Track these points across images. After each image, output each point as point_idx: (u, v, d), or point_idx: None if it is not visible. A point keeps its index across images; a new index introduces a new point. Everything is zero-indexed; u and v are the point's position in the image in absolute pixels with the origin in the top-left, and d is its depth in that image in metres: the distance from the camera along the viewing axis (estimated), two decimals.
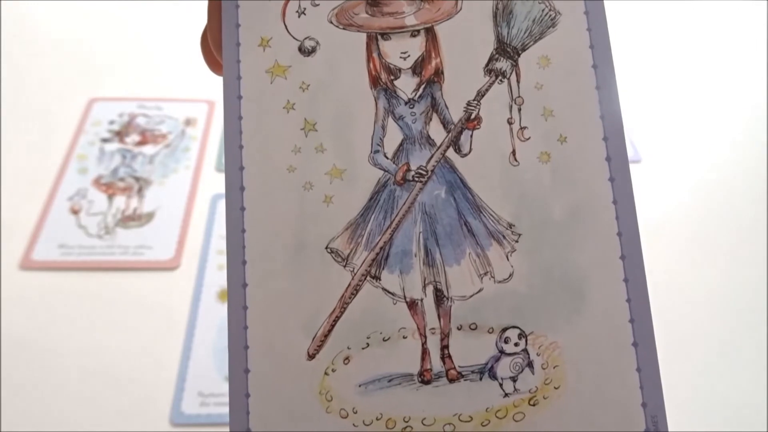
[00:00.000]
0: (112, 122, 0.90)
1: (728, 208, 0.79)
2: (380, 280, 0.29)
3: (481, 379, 0.28)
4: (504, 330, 0.29)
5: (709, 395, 0.60)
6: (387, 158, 0.30)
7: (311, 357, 0.28)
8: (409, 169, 0.29)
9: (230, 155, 0.29)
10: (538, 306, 0.29)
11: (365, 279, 0.29)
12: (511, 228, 0.29)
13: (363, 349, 0.28)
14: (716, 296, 0.71)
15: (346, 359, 0.28)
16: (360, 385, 0.28)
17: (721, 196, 0.80)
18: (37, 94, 0.90)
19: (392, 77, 0.30)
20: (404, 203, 0.29)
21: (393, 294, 0.29)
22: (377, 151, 0.30)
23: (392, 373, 0.28)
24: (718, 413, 0.58)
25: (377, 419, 0.28)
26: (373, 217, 0.29)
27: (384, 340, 0.29)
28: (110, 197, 0.82)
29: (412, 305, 0.29)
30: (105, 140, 0.88)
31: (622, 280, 0.29)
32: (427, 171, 0.29)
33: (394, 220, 0.29)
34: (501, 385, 0.28)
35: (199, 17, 0.30)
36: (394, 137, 0.30)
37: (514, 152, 0.30)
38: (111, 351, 0.67)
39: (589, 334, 0.28)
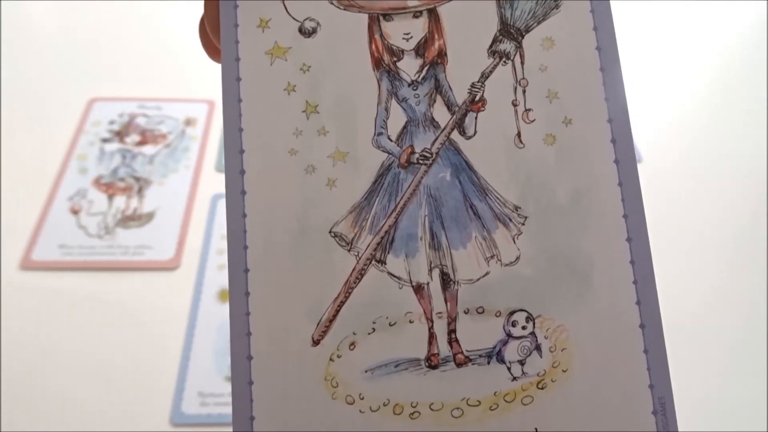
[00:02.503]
0: (112, 122, 0.89)
1: (729, 208, 0.79)
2: (385, 264, 0.29)
3: (488, 363, 0.28)
4: (511, 313, 0.28)
5: (709, 395, 0.60)
6: (391, 141, 0.29)
7: (316, 343, 0.28)
8: (413, 152, 0.29)
9: (230, 138, 0.29)
10: (545, 289, 0.28)
11: (370, 263, 0.28)
12: (517, 210, 0.29)
13: (369, 334, 0.28)
14: (716, 296, 0.71)
15: (352, 345, 0.28)
16: (366, 371, 0.28)
17: (722, 196, 0.80)
18: (37, 94, 0.90)
19: (395, 59, 0.30)
20: (409, 186, 0.29)
21: (399, 278, 0.29)
22: (381, 134, 0.29)
23: (399, 358, 0.28)
24: (718, 413, 0.58)
25: (384, 405, 0.28)
26: (377, 200, 0.29)
27: (390, 324, 0.28)
28: (110, 197, 0.82)
29: (419, 289, 0.28)
30: (105, 140, 0.88)
31: (629, 262, 0.28)
32: (431, 153, 0.29)
33: (398, 203, 0.29)
34: (509, 368, 0.28)
35: (199, 17, 0.29)
36: (397, 119, 0.29)
37: (519, 134, 0.29)
38: (111, 351, 0.66)
39: (596, 317, 0.28)
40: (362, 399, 0.28)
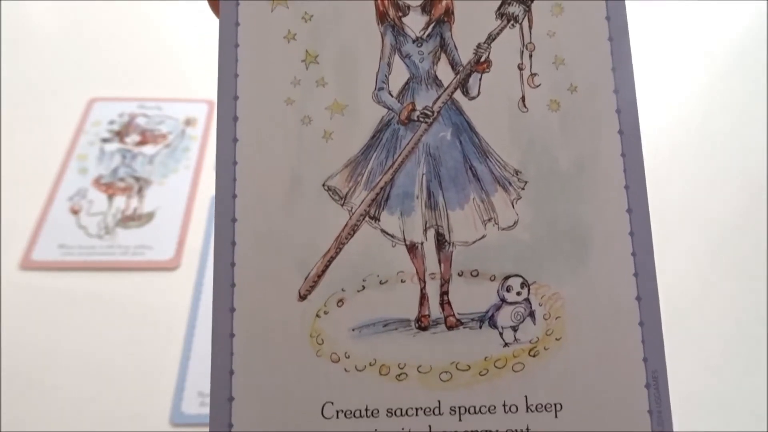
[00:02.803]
0: (112, 122, 0.89)
1: (729, 207, 0.78)
2: (379, 221, 0.28)
3: (480, 327, 0.27)
4: (506, 278, 0.27)
5: (708, 395, 0.58)
6: (392, 96, 0.29)
7: (302, 298, 0.27)
8: (414, 109, 0.28)
9: (224, 84, 0.28)
10: (542, 256, 0.27)
11: (363, 219, 0.28)
12: (517, 175, 0.28)
13: (358, 291, 0.27)
14: (716, 296, 0.70)
15: (340, 301, 0.27)
16: (353, 329, 0.27)
17: (723, 196, 0.79)
18: (37, 94, 0.90)
19: (400, 14, 0.29)
20: (408, 143, 0.28)
21: (392, 236, 0.28)
22: (382, 89, 0.29)
23: (388, 318, 0.27)
24: (719, 413, 0.57)
25: (370, 365, 0.27)
26: (374, 155, 0.28)
27: (381, 283, 0.27)
28: (110, 197, 0.81)
29: (412, 248, 0.28)
30: (105, 140, 0.87)
31: (628, 234, 0.28)
32: (433, 112, 0.28)
33: (396, 159, 0.28)
34: (501, 334, 0.27)
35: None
36: (399, 76, 0.29)
37: (523, 98, 0.29)
38: (111, 351, 0.66)
39: (592, 287, 0.27)
40: (348, 358, 0.27)
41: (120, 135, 0.87)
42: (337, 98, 0.28)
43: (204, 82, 0.77)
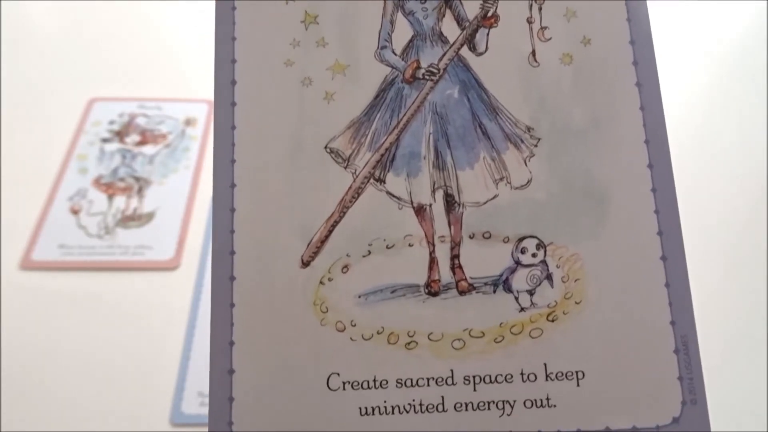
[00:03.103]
0: (112, 122, 0.88)
1: (729, 206, 0.77)
2: (385, 183, 0.26)
3: (494, 291, 0.25)
4: (521, 240, 0.26)
5: (708, 395, 0.56)
6: (395, 55, 0.27)
7: (305, 264, 0.25)
8: (419, 67, 0.27)
9: (221, 47, 0.27)
10: (559, 215, 0.26)
11: (368, 181, 0.26)
12: (529, 132, 0.27)
13: (364, 257, 0.26)
14: (716, 296, 0.69)
15: (345, 267, 0.26)
16: (359, 296, 0.25)
17: (723, 194, 0.78)
18: (37, 94, 0.89)
19: None
20: (413, 102, 0.27)
21: (399, 198, 0.26)
22: (385, 47, 0.27)
23: (396, 284, 0.25)
24: (719, 413, 0.55)
25: (378, 333, 0.25)
26: (378, 115, 0.27)
27: (388, 247, 0.26)
28: (110, 197, 0.80)
29: (420, 211, 0.26)
30: (105, 140, 0.86)
31: (650, 190, 0.26)
32: (438, 69, 0.27)
33: (401, 119, 0.27)
34: (517, 298, 0.25)
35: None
36: (403, 34, 0.28)
37: (533, 53, 0.27)
38: (111, 351, 0.64)
39: (613, 246, 0.26)
40: (354, 326, 0.25)
41: (120, 135, 0.86)
42: (338, 58, 0.27)
43: (204, 82, 0.76)
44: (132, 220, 0.79)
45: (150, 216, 0.80)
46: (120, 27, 0.95)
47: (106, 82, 0.90)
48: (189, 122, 0.89)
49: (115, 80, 0.90)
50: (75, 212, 0.79)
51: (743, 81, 0.92)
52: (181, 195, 0.82)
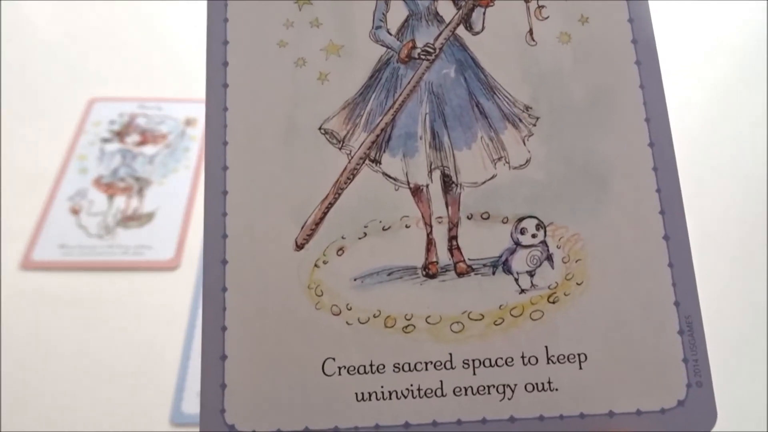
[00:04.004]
0: (112, 122, 0.88)
1: (730, 205, 0.76)
2: (380, 164, 0.26)
3: (494, 273, 0.25)
4: (520, 220, 0.25)
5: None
6: (390, 35, 0.27)
7: (299, 247, 0.25)
8: (414, 47, 0.27)
9: (213, 29, 0.27)
10: (559, 195, 0.25)
11: (363, 162, 0.26)
12: (528, 111, 0.26)
13: (359, 239, 0.25)
14: (716, 296, 0.68)
15: (340, 250, 0.25)
16: (355, 279, 0.25)
17: (723, 194, 0.77)
18: (37, 94, 0.89)
19: None
20: (409, 82, 0.26)
21: (395, 179, 0.26)
22: (379, 27, 0.27)
23: (392, 266, 0.25)
24: (718, 413, 0.55)
25: (374, 317, 0.24)
26: (373, 96, 0.26)
27: (384, 229, 0.25)
28: (110, 197, 0.80)
29: (417, 192, 0.26)
30: (105, 140, 0.86)
31: (652, 169, 0.26)
32: (434, 48, 0.27)
33: (397, 99, 0.26)
34: (516, 280, 0.25)
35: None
36: (398, 13, 0.27)
37: (531, 31, 0.27)
38: (111, 351, 0.64)
39: (615, 226, 0.25)
40: (350, 310, 0.24)
41: (120, 135, 0.86)
42: (332, 39, 0.27)
43: (204, 82, 0.75)
44: (132, 220, 0.79)
45: (150, 216, 0.79)
46: (120, 27, 0.95)
47: (106, 82, 0.90)
48: (189, 122, 0.89)
49: (115, 80, 0.90)
50: (75, 212, 0.79)
51: (744, 82, 0.91)
52: (181, 195, 0.81)
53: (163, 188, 0.82)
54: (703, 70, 0.93)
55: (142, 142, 0.87)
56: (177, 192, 0.81)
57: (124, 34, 0.95)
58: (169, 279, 0.71)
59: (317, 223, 0.25)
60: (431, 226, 0.25)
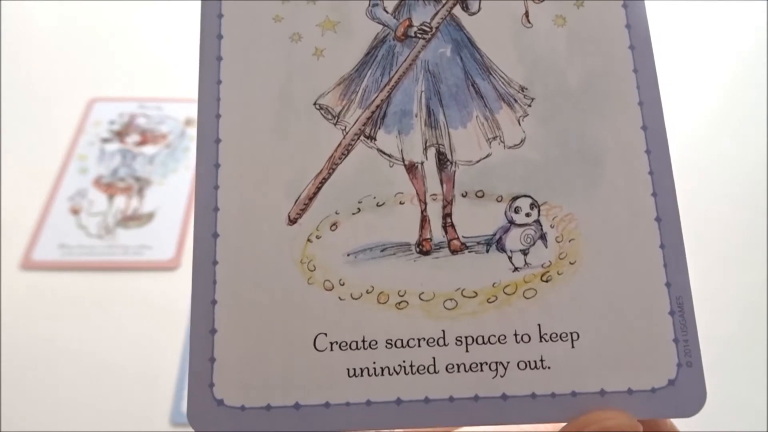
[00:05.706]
0: (112, 122, 0.88)
1: (729, 204, 0.76)
2: (375, 140, 0.26)
3: (487, 251, 0.25)
4: (514, 199, 0.25)
5: (708, 394, 0.56)
6: (387, 13, 0.27)
7: (292, 222, 0.25)
8: (411, 25, 0.27)
9: (208, 3, 0.27)
10: (553, 174, 0.25)
11: (358, 138, 0.26)
12: (523, 91, 0.26)
13: (353, 214, 0.25)
14: (716, 296, 0.68)
15: (333, 225, 0.25)
16: (348, 254, 0.25)
17: (722, 194, 0.77)
18: (37, 94, 0.89)
19: None
20: (405, 60, 0.26)
21: (390, 156, 0.26)
22: (376, 5, 0.27)
23: (386, 242, 0.25)
24: (718, 413, 0.55)
25: (367, 292, 0.24)
26: (369, 72, 0.26)
27: (378, 205, 0.25)
28: (110, 197, 0.80)
29: (411, 168, 0.25)
30: (105, 140, 0.86)
31: (644, 152, 0.26)
32: (431, 27, 0.27)
33: (393, 76, 0.26)
34: (510, 258, 0.25)
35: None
36: None
37: (526, 14, 0.27)
38: (111, 351, 0.64)
39: (608, 207, 0.25)
40: (342, 285, 0.24)
41: (120, 135, 0.86)
42: (328, 15, 0.27)
43: None
44: (132, 220, 0.79)
45: (150, 216, 0.79)
46: (120, 27, 0.96)
47: (106, 82, 0.90)
48: (189, 122, 0.89)
49: (115, 80, 0.90)
50: (75, 212, 0.79)
51: (745, 83, 0.91)
52: (181, 195, 0.82)
53: (163, 188, 0.82)
54: (703, 70, 0.93)
55: (142, 142, 0.87)
56: (177, 192, 0.81)
57: (124, 34, 0.95)
58: (170, 279, 0.71)
59: (311, 198, 0.25)
60: (425, 203, 0.25)
